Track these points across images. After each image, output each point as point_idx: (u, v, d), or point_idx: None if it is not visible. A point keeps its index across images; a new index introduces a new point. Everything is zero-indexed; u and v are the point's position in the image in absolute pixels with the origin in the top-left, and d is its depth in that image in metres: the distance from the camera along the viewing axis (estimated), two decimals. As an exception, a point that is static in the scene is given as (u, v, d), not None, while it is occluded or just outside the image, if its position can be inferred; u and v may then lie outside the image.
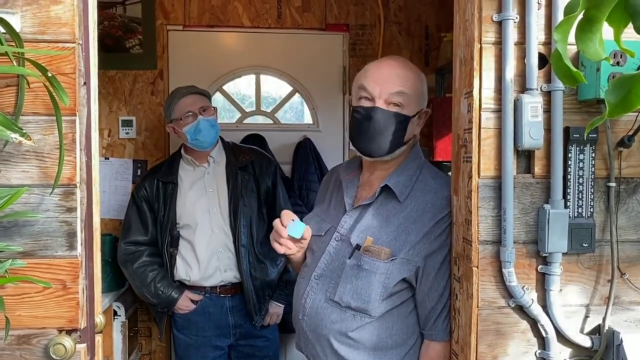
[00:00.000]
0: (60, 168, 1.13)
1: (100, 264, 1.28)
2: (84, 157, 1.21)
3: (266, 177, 2.49)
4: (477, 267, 1.25)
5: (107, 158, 3.02)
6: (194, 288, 2.44)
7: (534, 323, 1.26)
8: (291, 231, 1.47)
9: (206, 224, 2.39)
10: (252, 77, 3.23)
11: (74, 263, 1.19)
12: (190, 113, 2.34)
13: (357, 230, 1.46)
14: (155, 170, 2.55)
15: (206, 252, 2.40)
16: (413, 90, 1.43)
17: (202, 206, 2.41)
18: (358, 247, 1.43)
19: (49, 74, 1.09)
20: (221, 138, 2.51)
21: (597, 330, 1.27)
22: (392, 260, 1.39)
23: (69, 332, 1.21)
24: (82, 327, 1.21)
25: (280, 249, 1.50)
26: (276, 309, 2.52)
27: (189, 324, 2.47)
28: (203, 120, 2.33)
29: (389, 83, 1.41)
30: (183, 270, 2.42)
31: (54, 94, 1.10)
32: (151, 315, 3.02)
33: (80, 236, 1.20)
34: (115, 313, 2.62)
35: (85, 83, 1.21)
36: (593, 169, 1.24)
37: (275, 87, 3.28)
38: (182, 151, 2.50)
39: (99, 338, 1.28)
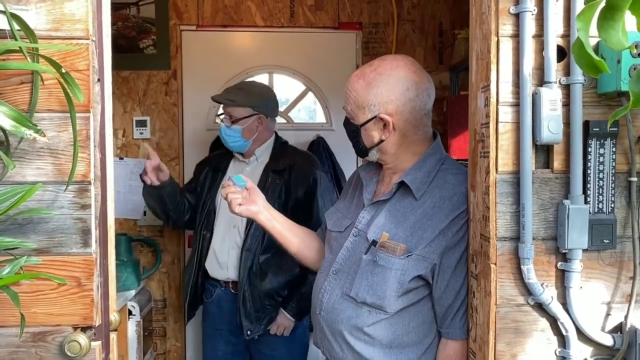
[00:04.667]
0: (74, 165, 1.13)
1: (114, 261, 1.28)
2: (98, 154, 1.21)
3: (299, 187, 2.34)
4: (495, 264, 1.23)
5: (121, 158, 3.03)
6: (213, 279, 2.44)
7: (553, 321, 1.24)
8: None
9: (227, 219, 2.36)
10: (266, 76, 3.23)
11: (89, 260, 1.19)
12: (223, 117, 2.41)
13: (373, 225, 1.45)
14: (211, 158, 2.65)
15: (221, 246, 2.40)
16: (355, 102, 1.47)
17: None
18: (374, 242, 1.42)
19: (63, 71, 1.09)
20: (277, 135, 2.49)
21: (618, 329, 1.24)
22: (407, 256, 1.37)
23: (83, 330, 1.20)
24: (96, 325, 1.21)
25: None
26: (284, 321, 2.36)
27: (206, 314, 2.50)
28: (224, 128, 2.36)
29: (344, 97, 1.53)
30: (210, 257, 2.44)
31: (68, 90, 1.10)
32: (166, 314, 3.03)
33: (94, 233, 1.19)
34: (130, 312, 2.63)
35: (99, 80, 1.21)
36: (614, 163, 1.21)
37: (288, 86, 3.28)
38: None
39: (113, 336, 1.28)
